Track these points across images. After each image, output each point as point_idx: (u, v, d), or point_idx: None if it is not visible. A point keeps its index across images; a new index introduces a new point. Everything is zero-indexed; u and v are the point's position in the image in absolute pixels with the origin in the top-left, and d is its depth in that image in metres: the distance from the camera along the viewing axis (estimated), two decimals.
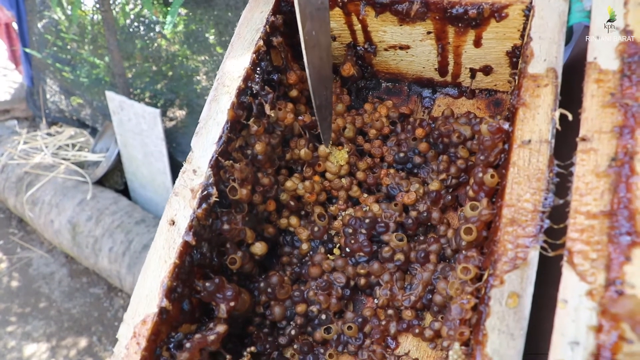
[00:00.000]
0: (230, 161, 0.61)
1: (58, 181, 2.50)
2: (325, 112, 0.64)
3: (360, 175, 0.69)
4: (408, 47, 0.69)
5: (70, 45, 2.62)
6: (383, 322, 0.64)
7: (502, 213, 0.51)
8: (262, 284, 0.65)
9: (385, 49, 0.70)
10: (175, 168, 2.38)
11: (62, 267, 2.55)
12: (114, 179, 2.63)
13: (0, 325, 2.29)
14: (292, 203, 0.68)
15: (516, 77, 0.63)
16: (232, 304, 0.59)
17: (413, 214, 0.66)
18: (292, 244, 0.69)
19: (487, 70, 0.68)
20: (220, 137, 0.60)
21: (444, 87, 0.73)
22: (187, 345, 0.57)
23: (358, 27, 0.68)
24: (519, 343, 0.48)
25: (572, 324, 0.45)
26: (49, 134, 2.84)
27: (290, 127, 0.67)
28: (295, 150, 0.68)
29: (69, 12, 2.49)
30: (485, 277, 0.53)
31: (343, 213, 0.68)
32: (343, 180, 0.68)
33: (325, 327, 0.64)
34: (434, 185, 0.67)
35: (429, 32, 0.66)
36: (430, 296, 0.62)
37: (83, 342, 2.29)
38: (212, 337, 0.58)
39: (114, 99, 2.32)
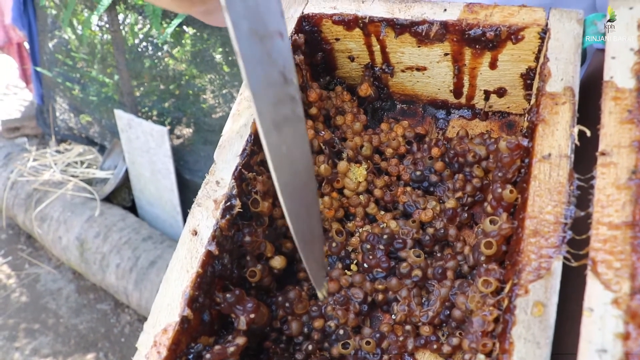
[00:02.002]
0: (253, 173, 0.62)
1: (66, 198, 2.53)
2: (311, 245, 0.53)
3: (377, 192, 0.70)
4: (425, 68, 0.71)
5: (79, 64, 2.68)
6: (401, 338, 0.64)
7: (525, 224, 0.52)
8: (280, 298, 0.65)
9: (402, 70, 0.72)
10: (182, 186, 2.40)
11: (70, 283, 2.57)
12: (122, 196, 2.65)
13: (8, 341, 2.27)
14: None
15: (533, 97, 0.64)
16: (252, 316, 0.59)
17: (430, 231, 0.67)
18: None
19: (501, 92, 0.70)
20: (244, 150, 0.61)
21: (458, 109, 0.75)
22: (207, 356, 0.57)
23: (377, 47, 0.70)
24: (545, 352, 0.48)
25: (599, 332, 0.45)
26: (58, 152, 2.89)
27: (310, 143, 0.68)
28: (314, 165, 0.69)
29: (79, 32, 2.54)
30: (507, 288, 0.53)
31: (360, 230, 0.69)
32: (361, 197, 0.69)
33: (342, 342, 0.64)
34: (450, 203, 0.68)
35: (446, 54, 0.68)
36: (448, 312, 0.62)
37: (90, 359, 2.26)
38: (231, 349, 0.58)
39: (122, 117, 2.36)
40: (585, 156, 0.56)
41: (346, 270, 0.68)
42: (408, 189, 0.70)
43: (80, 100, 2.84)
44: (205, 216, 0.59)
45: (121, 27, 2.38)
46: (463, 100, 0.73)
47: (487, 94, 0.71)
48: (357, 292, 0.65)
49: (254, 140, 0.62)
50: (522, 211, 0.54)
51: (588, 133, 0.55)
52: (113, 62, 2.54)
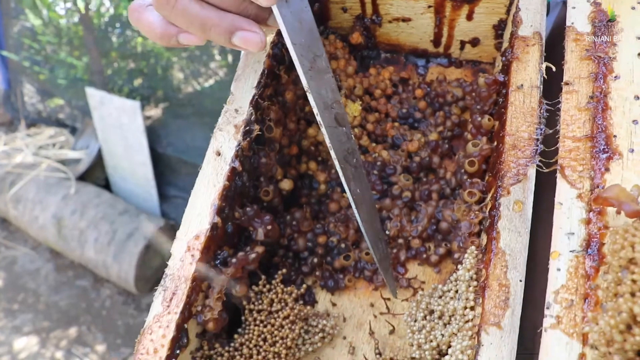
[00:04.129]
0: (268, 103, 0.70)
1: (40, 179, 2.52)
2: (386, 263, 0.70)
3: (370, 126, 0.79)
4: (410, 19, 0.80)
5: (47, 48, 2.63)
6: (394, 250, 0.73)
7: (505, 140, 0.63)
8: (287, 218, 0.73)
9: (390, 21, 0.81)
10: (156, 160, 2.43)
11: (48, 262, 2.56)
12: (96, 175, 2.65)
13: None
14: (312, 149, 0.77)
15: (506, 42, 0.75)
16: (268, 227, 0.67)
17: (416, 159, 0.77)
18: (311, 186, 0.78)
19: (475, 42, 0.81)
20: (259, 82, 0.69)
21: (436, 57, 0.85)
22: (233, 260, 0.65)
23: (369, 0, 0.79)
24: (525, 239, 0.59)
25: (567, 220, 0.57)
26: (28, 135, 2.82)
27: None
28: None
29: (45, 15, 2.50)
30: (492, 192, 0.64)
31: None
32: (355, 130, 0.78)
33: (344, 255, 0.73)
34: (432, 136, 0.78)
35: (429, 6, 0.78)
36: (435, 227, 0.73)
37: (73, 333, 2.29)
38: (252, 256, 0.66)
39: (94, 95, 2.36)
40: (552, 89, 0.67)
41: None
42: (396, 124, 0.80)
43: (49, 83, 2.80)
44: (227, 139, 0.67)
45: (89, 8, 2.37)
46: (441, 49, 0.83)
47: (462, 44, 0.82)
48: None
49: (267, 74, 0.70)
50: (502, 131, 0.64)
51: (553, 68, 0.67)
52: (81, 44, 2.54)
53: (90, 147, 2.63)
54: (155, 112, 2.63)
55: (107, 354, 2.26)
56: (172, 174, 2.59)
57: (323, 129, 0.60)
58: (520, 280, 0.57)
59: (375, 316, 0.72)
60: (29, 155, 2.65)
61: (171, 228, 2.39)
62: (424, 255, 0.73)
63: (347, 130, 0.64)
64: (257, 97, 0.68)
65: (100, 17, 2.44)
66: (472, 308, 0.59)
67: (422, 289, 0.72)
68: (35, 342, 2.27)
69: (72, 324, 2.34)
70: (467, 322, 0.59)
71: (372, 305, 0.73)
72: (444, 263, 0.73)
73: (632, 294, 0.47)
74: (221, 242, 0.65)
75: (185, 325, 0.60)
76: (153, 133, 2.51)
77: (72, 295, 2.44)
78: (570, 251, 0.55)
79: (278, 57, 0.72)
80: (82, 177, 2.61)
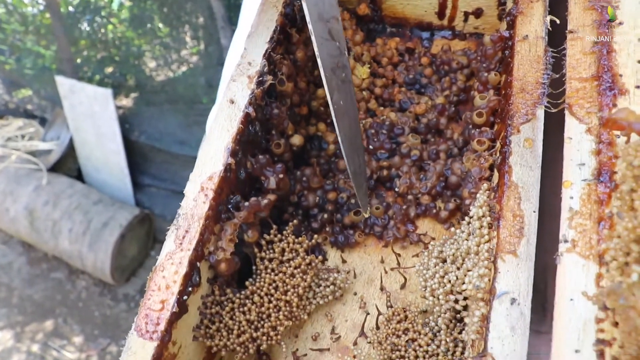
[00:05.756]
0: (280, 56, 0.71)
1: (10, 171, 2.48)
2: (360, 178, 0.70)
3: (377, 90, 0.81)
4: None
5: (12, 37, 2.62)
6: (404, 207, 0.74)
7: (513, 84, 0.64)
8: (297, 174, 0.74)
9: None
10: (129, 148, 2.42)
11: (20, 255, 2.52)
12: (67, 166, 2.61)
13: None
14: (321, 109, 0.79)
15: (510, 1, 0.78)
16: (280, 176, 0.68)
17: (424, 121, 0.78)
18: (320, 146, 0.78)
19: (478, 12, 0.83)
20: (272, 38, 0.71)
21: (440, 30, 0.87)
22: (245, 204, 0.65)
23: None
24: (537, 173, 0.60)
25: (577, 152, 0.58)
26: None
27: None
28: None
29: (8, 1, 2.49)
30: (500, 139, 0.65)
31: (363, 121, 0.79)
32: (364, 92, 0.80)
33: (354, 210, 0.73)
34: (439, 100, 0.79)
35: None
36: (444, 184, 0.73)
37: (49, 325, 2.25)
38: (265, 202, 0.66)
39: (63, 84, 2.33)
40: (556, 41, 0.69)
41: None
42: (403, 89, 0.81)
43: (16, 73, 2.77)
44: (240, 88, 0.68)
45: None
46: (445, 22, 0.86)
47: (466, 15, 0.84)
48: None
49: (280, 31, 0.72)
50: (509, 77, 0.66)
51: (558, 21, 0.69)
52: (48, 32, 2.51)
53: (61, 138, 2.60)
54: (127, 100, 2.61)
55: (84, 346, 2.22)
56: (145, 163, 2.56)
57: (313, 38, 0.61)
58: (534, 211, 0.58)
59: (385, 271, 0.72)
60: None
61: (146, 217, 2.37)
62: (434, 211, 0.73)
63: (340, 46, 0.65)
64: (270, 50, 0.70)
65: (67, 5, 2.43)
66: (487, 242, 0.59)
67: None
68: (10, 336, 2.23)
69: (48, 317, 2.30)
70: (482, 254, 0.59)
71: (382, 261, 0.72)
72: (453, 219, 0.73)
73: None
74: (233, 187, 0.66)
75: (198, 264, 0.60)
76: (126, 121, 2.49)
77: (46, 287, 2.40)
78: (583, 180, 0.56)
79: (290, 16, 0.74)
80: (54, 168, 2.57)
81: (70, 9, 2.46)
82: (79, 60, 2.55)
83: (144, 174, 2.58)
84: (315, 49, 0.61)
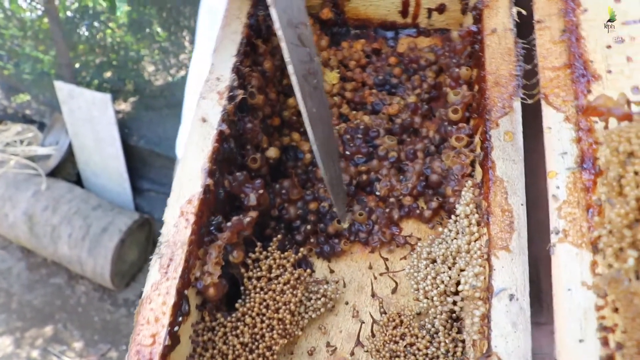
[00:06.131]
0: (249, 69, 0.69)
1: (9, 176, 2.44)
2: (337, 188, 0.69)
3: (348, 94, 0.80)
4: None
5: (10, 42, 2.58)
6: (387, 210, 0.73)
7: (487, 79, 0.64)
8: (276, 186, 0.72)
9: None
10: (128, 153, 2.40)
11: (19, 261, 2.49)
12: (66, 171, 2.59)
13: None
14: (294, 119, 0.77)
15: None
16: (260, 191, 0.66)
17: (398, 121, 0.78)
18: (296, 156, 0.77)
19: (441, 9, 0.83)
20: (239, 51, 0.69)
21: (404, 28, 0.87)
22: (228, 224, 0.63)
23: None
24: (520, 166, 0.59)
25: (558, 141, 0.58)
26: None
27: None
28: None
29: (6, 7, 2.46)
30: (478, 134, 0.65)
31: (337, 127, 0.78)
32: (335, 98, 0.79)
33: (337, 218, 0.72)
34: (411, 99, 0.79)
35: None
36: (425, 183, 0.73)
37: (48, 331, 2.22)
38: (247, 220, 0.64)
39: (62, 89, 2.32)
40: (525, 31, 0.69)
41: None
42: (374, 91, 0.81)
43: (15, 78, 2.74)
44: (211, 105, 0.66)
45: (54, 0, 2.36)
46: (409, 19, 0.85)
47: (429, 12, 0.84)
48: (343, 177, 0.74)
49: (246, 42, 0.70)
50: (482, 72, 0.66)
51: (524, 12, 0.69)
52: (47, 37, 2.49)
53: (60, 143, 2.57)
54: (126, 104, 2.59)
55: (84, 351, 2.19)
56: (145, 167, 2.53)
57: (283, 44, 0.59)
58: (522, 204, 0.58)
59: (375, 277, 0.71)
60: None
61: (146, 222, 2.35)
62: (417, 212, 0.72)
63: (310, 52, 0.63)
64: (238, 64, 0.68)
65: (65, 10, 2.42)
66: (477, 239, 0.59)
67: (418, 245, 0.71)
68: (10, 342, 2.20)
69: (48, 323, 2.27)
70: (474, 253, 0.58)
71: (370, 267, 0.71)
72: (437, 218, 0.73)
73: (637, 184, 0.48)
74: (213, 208, 0.64)
75: (186, 292, 0.58)
76: (125, 126, 2.47)
77: (46, 293, 2.37)
78: (567, 169, 0.56)
79: (254, 27, 0.72)
80: (53, 174, 2.54)
81: (69, 14, 2.45)
82: (77, 65, 2.53)
83: (143, 179, 2.55)
84: (286, 56, 0.60)
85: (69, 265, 2.33)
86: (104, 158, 2.42)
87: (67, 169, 2.61)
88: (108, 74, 2.57)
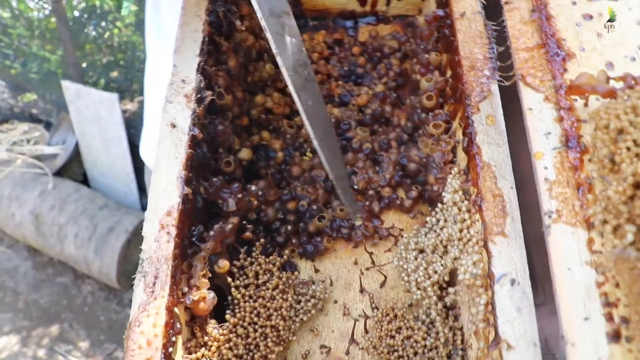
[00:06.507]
0: (215, 69, 0.66)
1: (16, 175, 2.40)
2: (344, 183, 0.64)
3: None
4: None
5: (18, 41, 2.46)
6: (367, 203, 0.71)
7: (462, 64, 0.63)
8: (252, 188, 0.69)
9: None
10: (135, 153, 2.35)
11: (26, 260, 2.44)
12: (73, 170, 2.55)
13: None
14: (262, 117, 0.74)
15: None
16: (239, 196, 0.63)
17: (368, 112, 0.76)
18: (267, 156, 0.74)
19: None
20: (202, 50, 0.65)
21: (364, 17, 0.85)
22: (211, 233, 0.59)
23: None
24: (505, 149, 0.59)
25: (541, 122, 0.58)
26: (0, 132, 2.61)
27: (249, 50, 0.74)
28: (256, 72, 0.75)
29: (14, 6, 2.34)
30: (456, 120, 0.64)
31: None
32: None
33: (318, 216, 0.70)
34: (379, 88, 0.77)
35: None
36: (402, 172, 0.72)
37: (55, 330, 2.19)
38: (229, 227, 0.61)
39: (69, 88, 2.25)
40: (494, 13, 0.69)
41: (303, 157, 0.74)
42: (340, 82, 0.79)
43: (22, 78, 2.65)
44: (180, 110, 0.62)
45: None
46: (368, 7, 0.84)
47: None
48: (318, 172, 0.72)
49: (209, 42, 0.66)
50: (456, 56, 0.65)
51: None
52: (54, 37, 2.44)
53: (66, 142, 2.52)
54: (133, 104, 2.55)
55: (90, 351, 2.16)
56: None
57: (268, 35, 0.57)
58: (512, 187, 0.57)
59: (362, 272, 0.69)
60: (3, 152, 2.48)
61: None
62: (397, 202, 0.71)
63: (297, 42, 0.61)
64: (202, 64, 0.64)
65: (72, 10, 2.36)
66: (469, 226, 0.58)
67: (402, 236, 0.70)
68: (16, 341, 2.16)
69: (54, 322, 2.24)
70: (468, 240, 0.57)
71: (356, 262, 0.70)
72: (417, 207, 0.72)
73: (631, 160, 0.48)
74: (193, 218, 0.60)
75: (176, 310, 0.54)
76: (132, 126, 2.42)
77: (52, 292, 2.34)
78: (553, 149, 0.56)
79: (215, 24, 0.69)
80: (59, 173, 2.49)
81: (76, 13, 2.40)
82: (84, 65, 2.50)
83: None
84: (273, 47, 0.56)
85: (75, 264, 2.34)
86: (111, 158, 2.40)
87: (73, 169, 2.59)
88: (115, 74, 2.56)
